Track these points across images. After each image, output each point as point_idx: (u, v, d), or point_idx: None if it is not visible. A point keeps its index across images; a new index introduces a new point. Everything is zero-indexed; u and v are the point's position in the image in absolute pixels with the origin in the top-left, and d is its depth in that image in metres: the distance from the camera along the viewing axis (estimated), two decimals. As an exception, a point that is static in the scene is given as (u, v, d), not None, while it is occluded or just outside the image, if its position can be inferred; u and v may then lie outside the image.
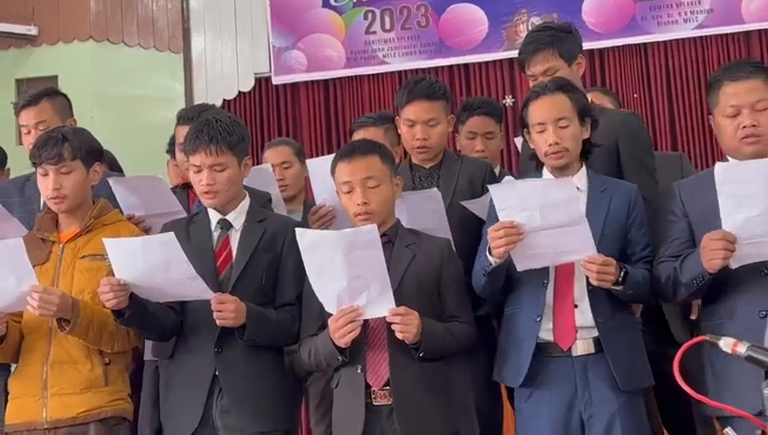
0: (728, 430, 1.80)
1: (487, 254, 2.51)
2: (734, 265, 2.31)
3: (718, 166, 2.33)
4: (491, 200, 2.72)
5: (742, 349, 1.77)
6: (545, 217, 2.41)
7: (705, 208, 2.40)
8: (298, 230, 2.58)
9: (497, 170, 3.58)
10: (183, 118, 3.49)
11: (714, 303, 2.45)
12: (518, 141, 3.23)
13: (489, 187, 2.57)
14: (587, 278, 2.49)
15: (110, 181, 3.05)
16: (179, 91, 7.55)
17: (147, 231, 3.01)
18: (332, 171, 2.71)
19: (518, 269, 2.52)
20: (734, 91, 2.43)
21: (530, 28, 5.98)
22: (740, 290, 2.37)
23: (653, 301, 2.71)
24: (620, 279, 2.46)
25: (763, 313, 2.33)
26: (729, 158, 2.49)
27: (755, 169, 2.29)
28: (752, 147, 2.40)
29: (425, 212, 2.81)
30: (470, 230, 2.86)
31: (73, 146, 2.78)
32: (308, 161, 3.41)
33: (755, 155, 2.39)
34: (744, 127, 2.39)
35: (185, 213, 3.16)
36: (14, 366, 2.88)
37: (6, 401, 2.80)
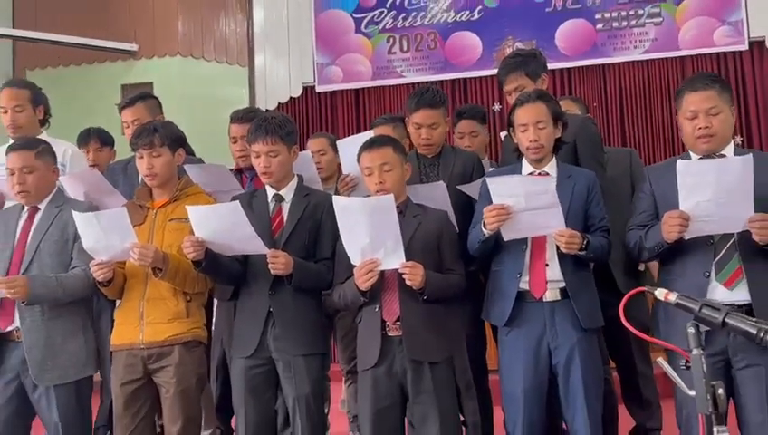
0: (660, 359, 1.80)
1: (482, 227, 2.51)
2: (687, 236, 2.30)
3: (680, 162, 2.32)
4: (483, 186, 2.72)
5: (672, 297, 1.75)
6: (528, 202, 2.41)
7: (666, 190, 2.39)
8: (335, 198, 2.60)
9: (485, 161, 3.57)
10: (234, 118, 3.45)
11: (671, 264, 2.44)
12: (502, 135, 3.20)
13: (487, 179, 2.57)
14: (556, 245, 2.49)
15: (186, 167, 3.03)
16: (245, 96, 7.53)
17: (213, 199, 2.99)
18: (358, 159, 2.70)
19: (504, 239, 2.52)
20: (693, 99, 2.40)
21: (514, 51, 5.93)
22: (691, 255, 2.36)
23: (606, 260, 2.69)
24: (583, 246, 2.45)
25: (707, 273, 2.32)
26: (690, 151, 2.48)
27: (708, 166, 2.29)
28: (705, 145, 2.39)
29: (434, 199, 2.80)
30: (462, 206, 2.86)
31: (161, 135, 2.78)
32: (338, 142, 3.34)
33: (708, 150, 2.39)
34: (700, 128, 2.37)
35: (241, 190, 3.16)
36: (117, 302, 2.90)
37: (113, 327, 2.84)
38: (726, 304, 1.74)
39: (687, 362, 1.66)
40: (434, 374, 2.52)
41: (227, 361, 3.03)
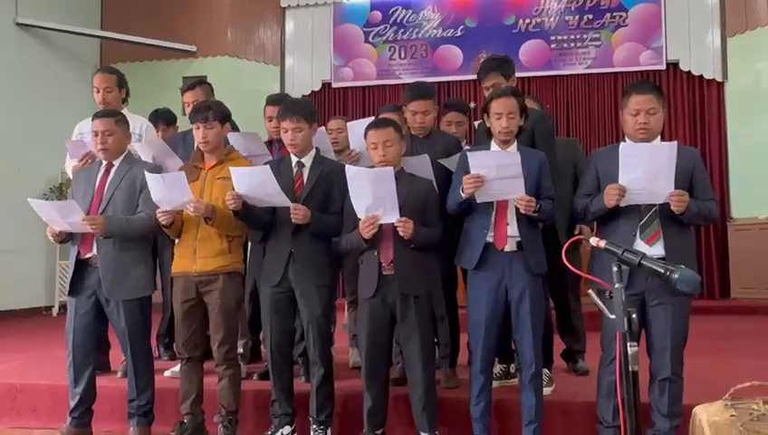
0: (590, 291, 1.79)
1: (460, 191, 2.47)
2: (622, 204, 2.31)
3: (623, 144, 2.32)
4: (459, 159, 2.67)
5: (602, 244, 1.75)
6: (498, 172, 2.38)
7: (608, 168, 2.38)
8: (347, 167, 2.54)
9: (463, 143, 3.52)
10: (269, 101, 3.42)
11: (606, 224, 2.43)
12: (476, 124, 3.15)
13: (468, 153, 2.51)
14: (516, 208, 2.46)
15: (229, 135, 2.98)
16: (277, 89, 7.44)
17: (250, 163, 2.96)
18: (365, 136, 2.65)
19: (478, 201, 2.48)
20: (638, 99, 2.36)
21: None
22: (623, 218, 2.35)
23: (549, 222, 2.67)
24: (536, 209, 2.43)
25: (634, 232, 2.33)
26: (627, 139, 2.45)
27: (643, 148, 2.30)
28: (642, 135, 2.37)
29: (420, 168, 2.75)
30: (443, 176, 2.81)
31: (214, 112, 2.74)
32: (348, 123, 3.29)
33: (644, 140, 2.37)
34: (640, 123, 2.35)
35: (269, 154, 3.12)
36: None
37: (173, 259, 2.82)
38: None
39: (610, 292, 1.66)
40: (417, 305, 2.51)
41: (258, 288, 3.01)
